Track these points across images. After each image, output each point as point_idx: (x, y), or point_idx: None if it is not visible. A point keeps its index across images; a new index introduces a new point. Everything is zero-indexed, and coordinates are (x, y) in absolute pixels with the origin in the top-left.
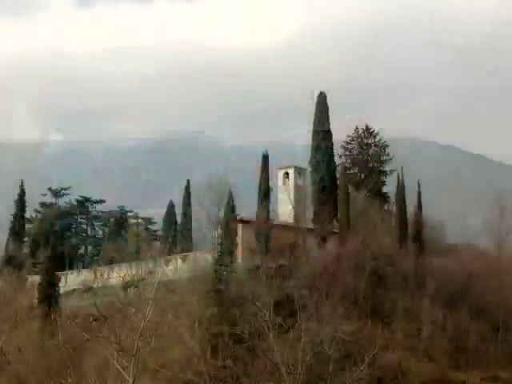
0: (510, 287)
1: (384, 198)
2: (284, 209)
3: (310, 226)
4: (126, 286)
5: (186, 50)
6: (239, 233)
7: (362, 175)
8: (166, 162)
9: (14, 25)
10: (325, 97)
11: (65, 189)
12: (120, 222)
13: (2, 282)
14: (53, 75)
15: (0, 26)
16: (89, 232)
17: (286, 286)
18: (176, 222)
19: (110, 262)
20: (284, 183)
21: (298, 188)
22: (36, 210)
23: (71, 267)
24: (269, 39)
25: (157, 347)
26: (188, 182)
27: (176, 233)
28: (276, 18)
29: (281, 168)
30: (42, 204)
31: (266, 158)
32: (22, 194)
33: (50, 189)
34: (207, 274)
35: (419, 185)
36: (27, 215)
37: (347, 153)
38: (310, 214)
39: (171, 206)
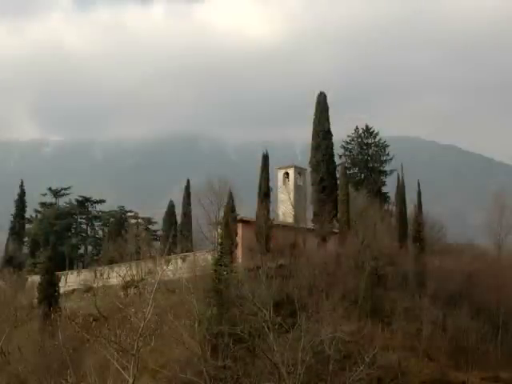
0: (510, 287)
1: (384, 197)
2: (284, 209)
3: (310, 225)
4: (125, 285)
5: (186, 49)
6: (239, 233)
7: (362, 175)
8: (166, 161)
9: (14, 25)
10: (325, 97)
11: (65, 189)
12: (120, 221)
13: (2, 282)
14: (53, 75)
15: (0, 27)
16: (89, 232)
17: (286, 285)
18: (176, 222)
19: (110, 262)
20: (284, 183)
21: (298, 188)
22: (36, 210)
23: (71, 267)
24: (268, 39)
25: (157, 347)
26: (188, 181)
27: (176, 233)
28: (276, 17)
29: (281, 168)
30: (42, 204)
31: (265, 157)
32: (22, 194)
33: (49, 189)
34: (207, 274)
35: (419, 185)
36: (27, 215)
37: (347, 153)
38: (310, 214)
39: (171, 206)
